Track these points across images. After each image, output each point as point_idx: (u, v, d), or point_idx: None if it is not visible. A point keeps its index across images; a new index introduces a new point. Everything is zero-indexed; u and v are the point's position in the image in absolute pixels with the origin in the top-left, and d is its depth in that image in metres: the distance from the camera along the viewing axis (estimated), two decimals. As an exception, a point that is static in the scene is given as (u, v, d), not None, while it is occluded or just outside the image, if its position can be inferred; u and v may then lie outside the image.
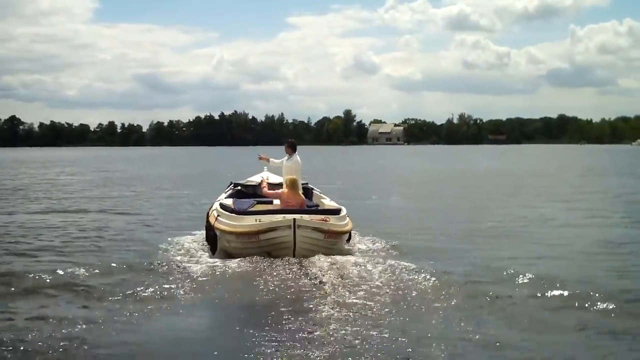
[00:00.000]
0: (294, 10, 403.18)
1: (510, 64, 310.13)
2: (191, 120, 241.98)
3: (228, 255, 13.11)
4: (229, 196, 16.77)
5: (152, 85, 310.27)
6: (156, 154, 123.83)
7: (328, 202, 15.92)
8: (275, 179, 17.38)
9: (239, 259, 12.46)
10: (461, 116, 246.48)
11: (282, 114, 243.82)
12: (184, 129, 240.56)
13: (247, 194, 17.12)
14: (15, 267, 12.43)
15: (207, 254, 13.72)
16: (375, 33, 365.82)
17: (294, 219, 12.64)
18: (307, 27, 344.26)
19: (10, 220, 19.51)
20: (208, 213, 15.40)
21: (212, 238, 14.12)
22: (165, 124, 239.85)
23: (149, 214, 21.65)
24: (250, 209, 14.53)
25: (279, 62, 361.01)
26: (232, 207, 14.60)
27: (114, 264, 12.38)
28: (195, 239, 15.39)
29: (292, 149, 15.90)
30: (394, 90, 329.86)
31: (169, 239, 15.43)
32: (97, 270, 11.69)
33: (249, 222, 13.11)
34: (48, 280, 10.98)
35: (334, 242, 13.15)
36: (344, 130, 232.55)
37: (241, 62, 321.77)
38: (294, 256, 12.58)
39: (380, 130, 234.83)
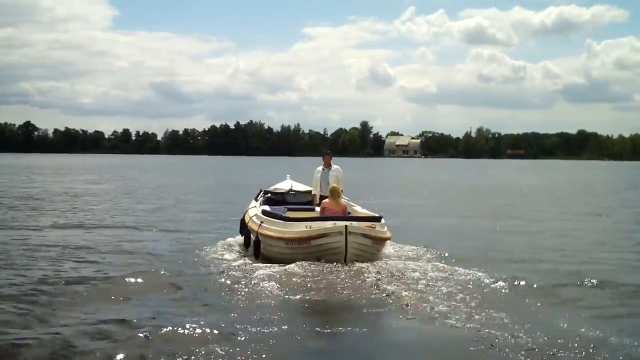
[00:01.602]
0: (309, 21, 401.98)
1: (526, 78, 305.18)
2: (206, 129, 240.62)
3: (273, 260, 13.59)
4: (263, 203, 17.10)
5: (167, 93, 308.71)
6: (174, 162, 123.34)
7: (360, 210, 16.10)
8: (299, 187, 18.49)
9: (293, 264, 12.66)
10: (479, 130, 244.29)
11: (298, 124, 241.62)
12: (199, 137, 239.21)
13: (277, 201, 17.48)
14: (84, 272, 12.70)
15: (249, 259, 14.09)
16: (391, 45, 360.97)
17: (346, 226, 13.12)
18: (322, 38, 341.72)
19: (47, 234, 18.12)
20: (243, 219, 16.23)
21: (255, 243, 14.51)
22: (180, 132, 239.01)
23: (184, 224, 21.37)
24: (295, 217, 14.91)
25: (294, 72, 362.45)
26: (280, 213, 15.10)
27: (163, 273, 12.47)
28: (232, 246, 16.01)
29: (330, 160, 16.90)
30: (409, 103, 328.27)
31: (208, 247, 15.59)
32: (145, 280, 11.81)
33: (299, 229, 13.57)
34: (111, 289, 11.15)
35: (378, 249, 13.80)
36: (361, 142, 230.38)
37: (256, 72, 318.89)
38: (345, 261, 13.02)
39: (397, 143, 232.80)
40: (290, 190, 18.16)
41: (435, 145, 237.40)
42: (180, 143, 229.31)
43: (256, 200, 17.69)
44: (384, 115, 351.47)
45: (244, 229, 16.08)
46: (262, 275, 11.95)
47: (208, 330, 8.62)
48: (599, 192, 45.16)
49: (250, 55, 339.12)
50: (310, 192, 17.71)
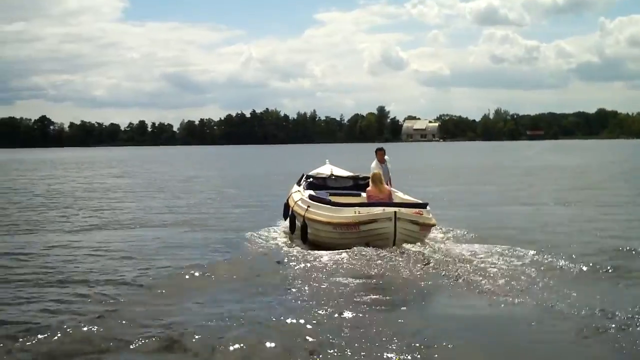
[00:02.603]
0: (320, 6, 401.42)
1: (539, 58, 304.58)
2: (222, 118, 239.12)
3: (320, 244, 13.90)
4: (306, 187, 17.21)
5: (180, 83, 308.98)
6: (194, 153, 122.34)
7: (403, 196, 15.97)
8: (339, 172, 18.65)
9: (343, 250, 12.85)
10: (497, 111, 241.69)
11: (314, 110, 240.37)
12: (215, 127, 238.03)
13: (319, 186, 17.58)
14: (126, 269, 12.26)
15: (297, 244, 14.42)
16: (403, 28, 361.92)
17: (395, 212, 13.31)
18: (333, 23, 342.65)
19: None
20: (287, 203, 16.62)
21: (302, 228, 14.71)
22: (197, 122, 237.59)
23: (227, 215, 20.92)
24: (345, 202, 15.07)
25: (306, 59, 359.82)
26: (328, 198, 15.34)
27: (217, 263, 12.45)
28: (277, 232, 16.30)
29: (383, 156, 17.00)
30: (422, 86, 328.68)
31: (254, 235, 15.75)
32: (203, 272, 11.64)
33: (348, 214, 13.75)
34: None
35: (425, 235, 14.01)
36: (378, 127, 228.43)
37: (269, 59, 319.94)
38: (393, 246, 13.12)
39: (415, 127, 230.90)
40: (332, 175, 18.34)
41: (453, 129, 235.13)
42: (197, 133, 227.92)
43: (299, 184, 17.78)
44: (397, 99, 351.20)
45: (288, 213, 16.24)
46: (313, 259, 12.43)
47: (263, 315, 8.82)
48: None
49: (261, 42, 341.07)
50: (350, 177, 18.25)
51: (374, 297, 9.84)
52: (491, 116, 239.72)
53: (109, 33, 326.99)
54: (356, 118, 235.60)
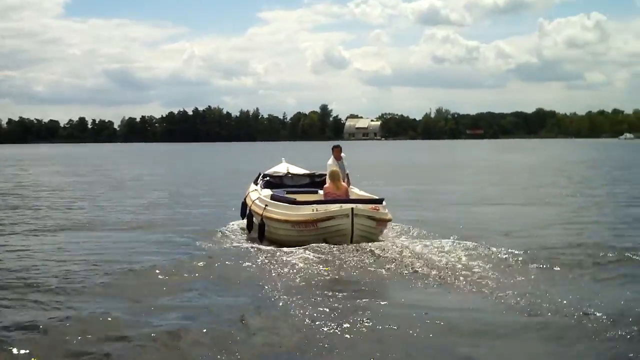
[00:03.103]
0: (264, 5, 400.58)
1: (479, 59, 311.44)
2: (164, 115, 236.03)
3: (277, 242, 14.06)
4: (263, 186, 17.32)
5: (121, 80, 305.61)
6: (137, 150, 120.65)
7: (359, 192, 16.31)
8: (295, 169, 18.77)
9: (300, 247, 13.05)
10: (439, 110, 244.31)
11: (257, 109, 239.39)
12: (156, 124, 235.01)
13: (275, 184, 17.64)
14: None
15: (254, 242, 14.46)
16: (346, 28, 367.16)
17: (352, 208, 13.53)
18: (277, 22, 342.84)
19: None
20: (245, 202, 16.68)
21: (259, 226, 14.77)
22: (138, 119, 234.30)
23: (182, 214, 20.87)
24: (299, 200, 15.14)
25: (249, 57, 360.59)
26: (286, 196, 15.52)
27: (179, 263, 12.24)
28: (234, 229, 16.43)
29: (340, 153, 17.08)
30: (364, 85, 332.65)
31: (211, 233, 15.86)
32: (154, 270, 11.59)
33: (306, 212, 13.96)
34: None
35: (381, 230, 14.34)
36: (321, 126, 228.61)
37: (211, 57, 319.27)
38: (351, 242, 13.38)
39: (357, 126, 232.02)
40: (288, 173, 18.41)
41: (395, 127, 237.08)
42: (138, 130, 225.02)
43: (255, 183, 17.79)
44: (340, 98, 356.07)
45: (246, 212, 16.32)
46: (268, 257, 12.54)
47: (215, 315, 8.76)
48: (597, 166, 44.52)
49: (205, 40, 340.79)
50: (306, 175, 18.36)
51: (330, 292, 9.95)
52: (432, 115, 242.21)
53: (51, 29, 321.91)
54: (299, 116, 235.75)
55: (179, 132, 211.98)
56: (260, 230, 14.76)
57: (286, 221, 14.14)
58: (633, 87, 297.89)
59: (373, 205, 14.25)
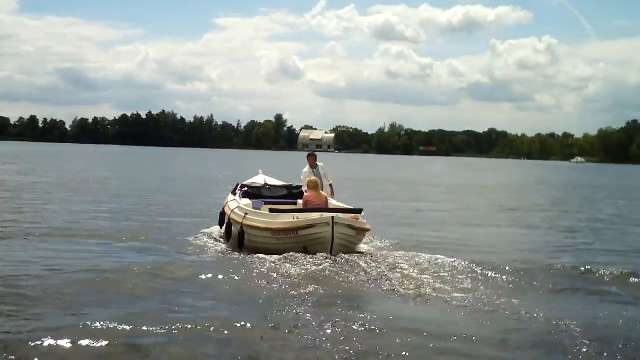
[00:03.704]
0: (220, 11, 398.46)
1: (432, 76, 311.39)
2: (117, 118, 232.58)
3: (257, 250, 14.10)
4: (242, 196, 17.36)
5: (73, 80, 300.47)
6: (91, 152, 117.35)
7: (336, 203, 16.54)
8: (272, 181, 19.00)
9: (280, 255, 13.30)
10: (392, 126, 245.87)
11: (211, 115, 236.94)
12: (109, 126, 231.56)
13: (254, 195, 17.67)
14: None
15: (232, 251, 14.66)
16: (302, 38, 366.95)
17: (332, 217, 13.74)
18: (233, 29, 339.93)
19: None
20: (223, 212, 16.88)
21: (239, 234, 14.84)
22: (90, 120, 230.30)
23: (155, 220, 20.48)
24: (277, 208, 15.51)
25: (204, 62, 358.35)
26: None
27: (149, 271, 11.99)
28: (213, 238, 16.46)
29: (315, 161, 17.55)
30: (318, 97, 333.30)
31: (188, 241, 15.79)
32: (131, 278, 11.41)
33: (287, 219, 14.23)
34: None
35: (360, 239, 14.68)
36: (275, 135, 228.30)
37: (166, 61, 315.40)
38: (331, 251, 13.55)
39: (311, 137, 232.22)
40: (266, 184, 18.55)
41: (348, 140, 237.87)
42: (90, 132, 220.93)
43: (234, 194, 17.90)
44: (293, 108, 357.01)
45: (224, 221, 16.55)
46: (247, 266, 12.75)
47: (192, 325, 8.65)
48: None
49: (159, 44, 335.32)
50: (284, 186, 18.48)
51: (309, 298, 10.32)
52: (386, 130, 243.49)
53: (4, 24, 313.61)
54: (253, 125, 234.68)
55: (132, 135, 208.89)
56: (239, 238, 14.87)
57: (267, 229, 14.32)
58: (581, 111, 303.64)
59: (353, 215, 14.51)
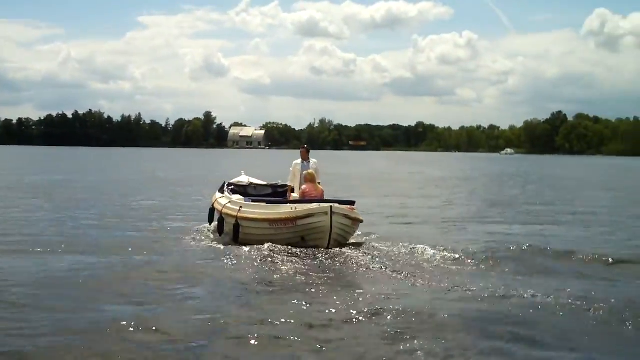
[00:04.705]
0: (143, 9, 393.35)
1: (356, 72, 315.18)
2: (42, 118, 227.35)
3: (253, 242, 14.40)
4: (233, 192, 17.65)
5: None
6: (22, 153, 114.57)
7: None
8: (256, 181, 19.40)
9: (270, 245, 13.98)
10: (322, 121, 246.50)
11: (139, 114, 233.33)
12: (34, 127, 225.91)
13: (240, 193, 17.85)
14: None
15: (227, 244, 14.90)
16: (226, 35, 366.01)
17: (331, 206, 14.11)
18: (157, 27, 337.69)
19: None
20: (212, 209, 17.23)
21: (234, 228, 15.01)
22: (14, 121, 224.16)
23: (136, 222, 19.88)
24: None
25: (127, 61, 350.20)
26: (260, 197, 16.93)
27: (150, 271, 12.09)
28: (204, 234, 16.83)
29: (308, 154, 17.62)
30: (243, 94, 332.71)
31: (180, 239, 15.99)
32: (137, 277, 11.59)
33: (285, 210, 14.57)
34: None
35: (355, 229, 15.15)
36: (204, 133, 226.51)
37: (88, 60, 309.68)
38: (329, 240, 14.14)
39: (241, 134, 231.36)
40: (251, 183, 18.93)
41: (278, 137, 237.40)
42: (14, 133, 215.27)
43: (221, 192, 18.04)
44: (218, 106, 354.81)
45: (214, 217, 17.11)
46: (246, 257, 13.27)
47: (199, 317, 8.98)
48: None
49: (81, 42, 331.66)
50: (269, 185, 18.86)
51: (307, 288, 10.75)
52: (316, 126, 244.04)
53: None
54: (182, 123, 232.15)
55: (58, 136, 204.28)
56: (235, 232, 15.07)
57: (264, 220, 14.63)
58: (501, 104, 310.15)
59: (348, 206, 14.90)
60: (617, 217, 23.23)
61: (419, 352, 7.69)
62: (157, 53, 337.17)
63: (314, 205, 14.41)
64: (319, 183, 16.98)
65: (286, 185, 18.29)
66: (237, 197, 16.67)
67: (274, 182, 19.13)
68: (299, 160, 17.54)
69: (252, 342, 8.01)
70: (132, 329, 8.35)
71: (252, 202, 16.21)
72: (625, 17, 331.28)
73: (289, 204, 15.07)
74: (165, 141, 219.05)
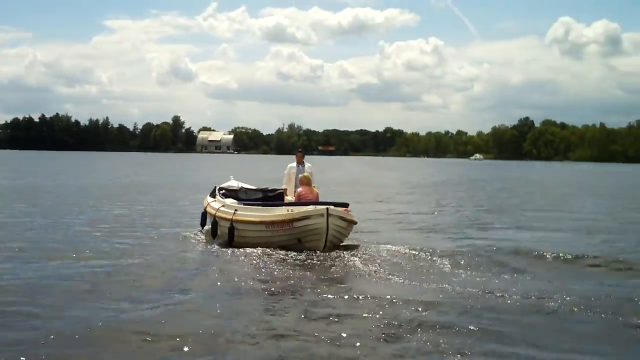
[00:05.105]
0: (110, 13, 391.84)
1: (323, 77, 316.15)
2: (8, 121, 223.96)
3: (249, 245, 14.65)
4: (225, 196, 17.85)
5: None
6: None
7: None
8: (246, 185, 19.77)
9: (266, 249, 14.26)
10: (291, 126, 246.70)
11: (106, 118, 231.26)
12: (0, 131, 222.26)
13: (231, 197, 17.96)
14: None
15: (225, 247, 15.07)
16: (193, 40, 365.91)
17: (327, 208, 14.33)
18: (124, 31, 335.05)
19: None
20: (205, 213, 17.57)
21: (229, 230, 15.20)
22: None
23: (130, 228, 19.33)
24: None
25: (94, 65, 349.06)
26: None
27: (144, 275, 12.21)
28: (201, 238, 16.88)
29: (303, 158, 18.10)
30: (210, 98, 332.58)
31: (174, 243, 16.12)
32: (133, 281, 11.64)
33: (281, 212, 14.80)
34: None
35: (349, 232, 15.33)
36: (172, 137, 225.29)
37: (54, 63, 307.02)
38: (325, 241, 14.31)
39: (210, 138, 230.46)
40: (242, 188, 19.18)
41: (247, 141, 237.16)
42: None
43: (212, 196, 18.19)
44: (185, 110, 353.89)
45: (206, 221, 17.44)
46: (243, 259, 13.62)
47: (200, 320, 9.13)
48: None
49: (48, 46, 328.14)
50: (259, 189, 19.18)
51: (302, 289, 11.13)
52: (285, 130, 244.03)
53: None
54: (150, 127, 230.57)
55: (24, 140, 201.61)
56: (230, 234, 15.21)
57: (260, 222, 14.77)
58: (467, 110, 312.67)
59: (343, 208, 15.10)
60: (613, 222, 23.88)
61: (411, 348, 8.09)
62: (124, 57, 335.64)
63: (311, 208, 14.61)
64: (313, 186, 17.10)
65: (276, 190, 18.66)
66: (230, 201, 16.82)
67: (264, 187, 19.40)
68: (294, 164, 17.82)
69: (250, 342, 8.21)
70: (128, 333, 8.47)
71: (246, 205, 16.30)
72: (588, 25, 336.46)
73: (284, 207, 15.29)
74: (133, 145, 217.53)
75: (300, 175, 16.81)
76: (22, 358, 7.57)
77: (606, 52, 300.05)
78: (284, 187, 18.12)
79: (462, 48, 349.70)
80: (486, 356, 7.91)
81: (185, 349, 7.97)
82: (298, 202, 15.65)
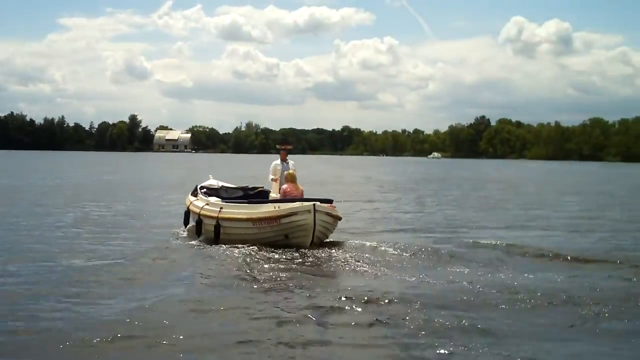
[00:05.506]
0: (64, 11, 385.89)
1: (279, 76, 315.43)
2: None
3: (235, 242, 14.81)
4: (207, 195, 17.89)
5: None
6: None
7: None
8: (226, 184, 19.89)
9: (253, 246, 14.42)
10: (249, 125, 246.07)
11: (62, 116, 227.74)
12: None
13: (212, 196, 18.06)
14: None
15: (211, 244, 15.26)
16: (148, 38, 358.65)
17: (314, 204, 14.64)
18: (78, 29, 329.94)
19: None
20: (188, 211, 17.48)
21: (215, 228, 15.45)
22: None
23: (120, 228, 19.33)
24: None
25: (48, 63, 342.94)
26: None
27: (133, 275, 12.31)
28: (185, 236, 17.09)
29: (287, 156, 18.33)
30: (165, 97, 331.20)
31: (163, 241, 16.44)
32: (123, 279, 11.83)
33: (268, 209, 14.97)
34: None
35: (335, 227, 15.73)
36: (129, 136, 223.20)
37: (6, 62, 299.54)
38: (312, 237, 14.69)
39: (167, 137, 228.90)
40: (223, 186, 19.28)
41: (205, 140, 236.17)
42: None
43: (194, 195, 18.25)
44: (140, 109, 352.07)
45: (189, 220, 17.48)
46: (229, 256, 13.84)
47: (189, 318, 9.33)
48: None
49: (0, 44, 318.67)
50: (239, 188, 19.22)
51: (290, 284, 11.38)
52: (243, 129, 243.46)
53: None
54: (106, 126, 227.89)
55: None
56: (215, 232, 15.45)
57: (247, 219, 15.00)
58: (422, 109, 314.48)
59: (329, 204, 15.43)
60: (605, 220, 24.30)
61: (399, 343, 8.33)
62: (78, 55, 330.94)
63: (297, 204, 14.91)
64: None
65: (256, 188, 18.87)
66: (214, 199, 17.05)
67: (244, 185, 19.58)
68: (279, 161, 18.01)
69: (236, 340, 8.35)
70: (117, 331, 8.53)
71: (229, 202, 16.50)
72: (540, 25, 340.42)
73: (270, 203, 15.46)
74: (89, 144, 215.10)
75: (285, 173, 17.07)
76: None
77: (558, 51, 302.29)
78: (271, 177, 17.87)
79: (416, 47, 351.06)
80: (469, 349, 8.14)
81: (172, 348, 8.04)
82: (284, 199, 15.82)
